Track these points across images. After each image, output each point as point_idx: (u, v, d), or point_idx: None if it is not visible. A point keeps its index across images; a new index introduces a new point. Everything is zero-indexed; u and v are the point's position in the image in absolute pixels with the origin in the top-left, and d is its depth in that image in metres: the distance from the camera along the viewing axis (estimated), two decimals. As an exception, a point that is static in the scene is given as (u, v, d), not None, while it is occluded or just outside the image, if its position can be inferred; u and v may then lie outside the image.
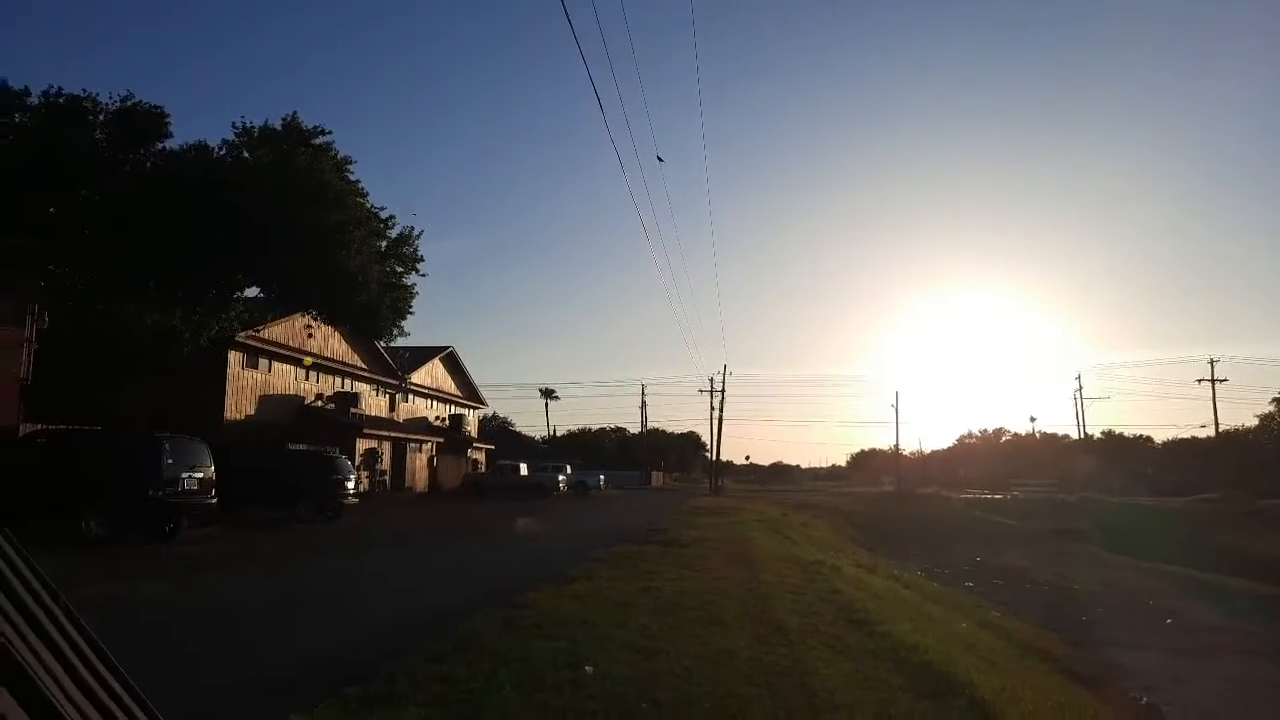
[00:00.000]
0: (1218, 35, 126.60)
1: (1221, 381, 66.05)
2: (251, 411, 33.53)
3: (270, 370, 35.28)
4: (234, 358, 32.31)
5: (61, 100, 24.22)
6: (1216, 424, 66.97)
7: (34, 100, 24.17)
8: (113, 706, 1.17)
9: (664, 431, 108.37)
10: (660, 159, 31.13)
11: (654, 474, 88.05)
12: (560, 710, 5.31)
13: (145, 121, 25.00)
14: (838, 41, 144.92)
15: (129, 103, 24.84)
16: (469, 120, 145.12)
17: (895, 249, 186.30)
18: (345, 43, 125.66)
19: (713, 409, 73.01)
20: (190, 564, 14.36)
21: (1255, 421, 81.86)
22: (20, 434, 19.71)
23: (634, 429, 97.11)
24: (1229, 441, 71.69)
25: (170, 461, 17.28)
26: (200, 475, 18.05)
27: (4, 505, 14.20)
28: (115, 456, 17.25)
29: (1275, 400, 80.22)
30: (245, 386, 33.42)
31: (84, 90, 24.65)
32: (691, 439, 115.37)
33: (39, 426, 20.14)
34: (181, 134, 26.40)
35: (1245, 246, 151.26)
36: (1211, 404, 65.78)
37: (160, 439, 17.54)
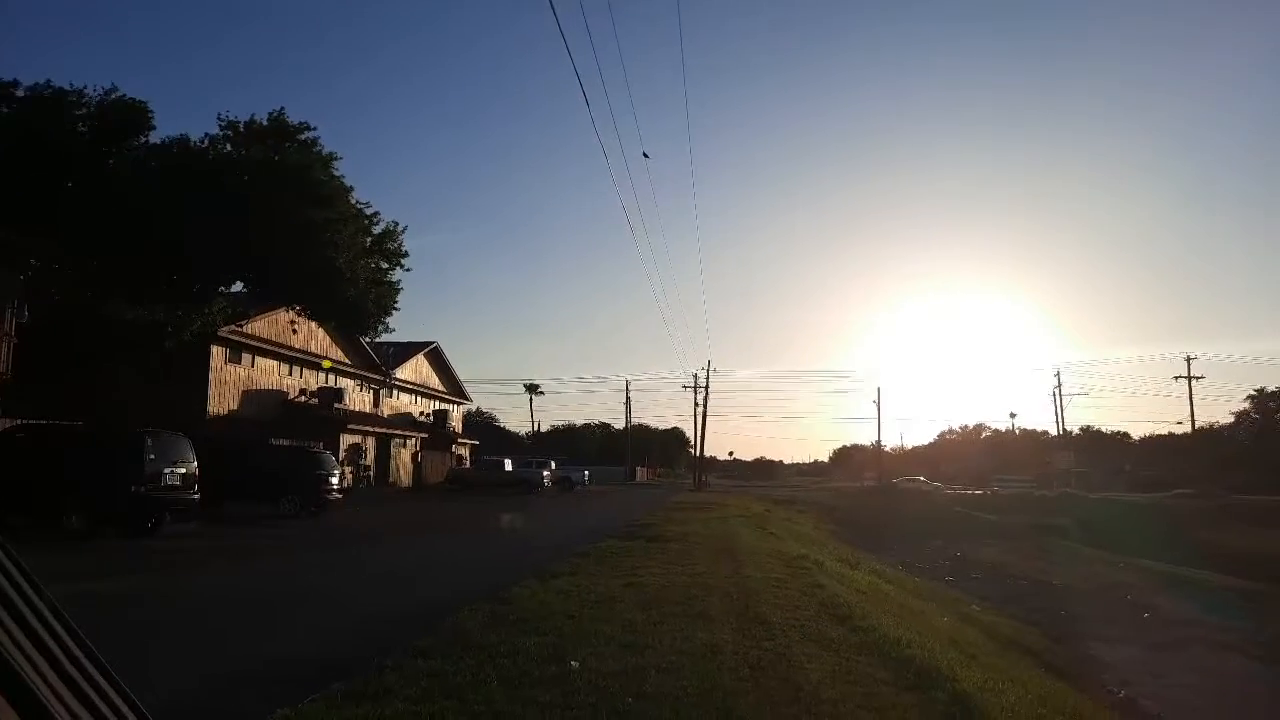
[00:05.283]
0: (1200, 37, 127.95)
1: (1198, 379, 66.72)
2: (235, 407, 33.35)
3: (254, 365, 35.10)
4: (217, 352, 32.12)
5: (48, 93, 23.98)
6: (1193, 420, 67.77)
7: (21, 93, 23.93)
8: (99, 703, 1.17)
9: (648, 427, 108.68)
10: (646, 155, 31.22)
11: (638, 470, 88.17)
12: (547, 705, 5.34)
13: (128, 115, 24.77)
14: (824, 41, 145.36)
15: (112, 96, 24.61)
16: (454, 114, 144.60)
17: (877, 247, 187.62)
18: (326, 35, 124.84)
19: (697, 405, 73.20)
20: (172, 560, 14.28)
21: (1231, 418, 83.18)
22: (-1, 429, 19.53)
23: (618, 425, 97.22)
24: (1205, 438, 72.56)
25: (152, 457, 17.16)
26: (183, 471, 17.93)
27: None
28: (97, 452, 17.11)
29: (1250, 397, 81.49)
30: (228, 381, 33.23)
31: (70, 84, 24.46)
32: (675, 435, 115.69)
33: (18, 422, 19.94)
34: (163, 129, 26.08)
35: (1223, 245, 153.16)
36: (1188, 400, 66.48)
37: (143, 434, 17.42)
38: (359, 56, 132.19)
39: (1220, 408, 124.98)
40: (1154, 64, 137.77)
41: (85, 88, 24.55)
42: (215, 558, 14.97)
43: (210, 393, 31.72)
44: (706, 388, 72.54)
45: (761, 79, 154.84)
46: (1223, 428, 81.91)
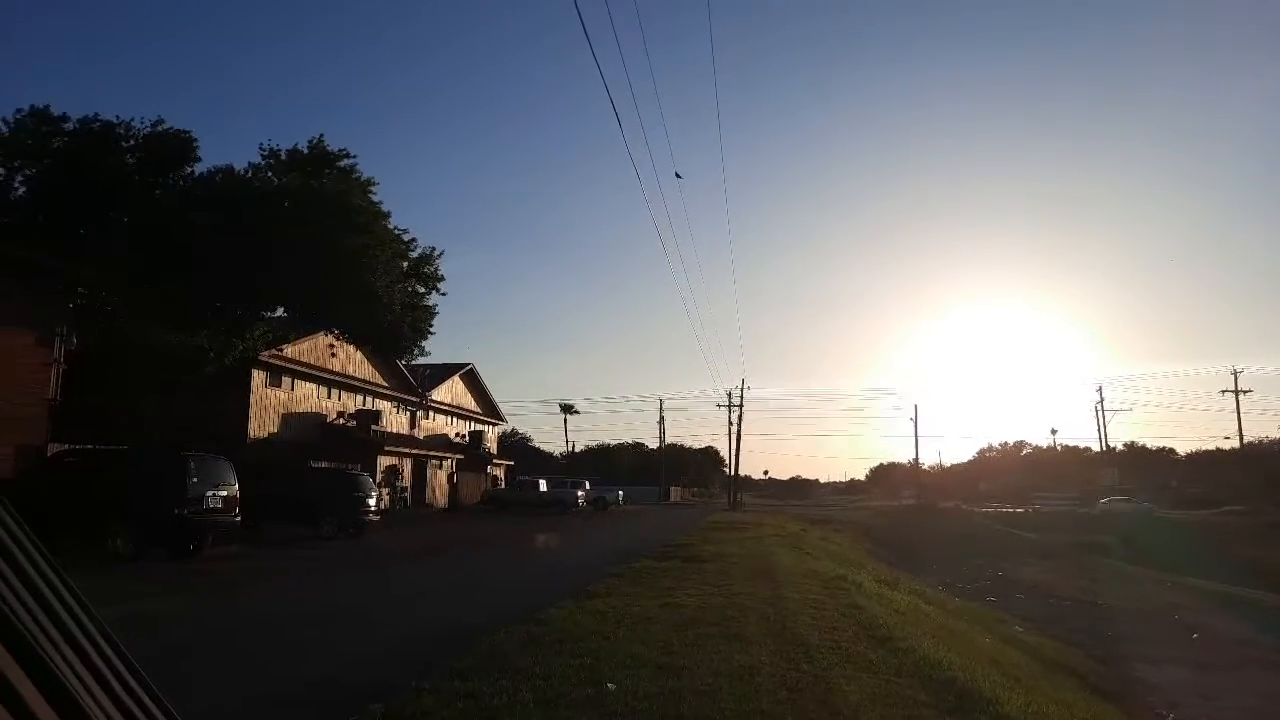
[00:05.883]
0: (1240, 45, 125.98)
1: (1245, 393, 65.33)
2: (275, 430, 33.83)
3: (293, 389, 35.61)
4: (257, 376, 32.64)
5: (96, 126, 24.75)
6: (1241, 436, 66.24)
7: (71, 126, 24.73)
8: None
9: (682, 447, 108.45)
10: (678, 175, 31.19)
11: (672, 489, 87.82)
12: (584, 727, 5.35)
13: (174, 146, 25.50)
14: (854, 55, 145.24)
15: (159, 128, 25.35)
16: (488, 136, 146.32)
17: (914, 262, 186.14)
18: (365, 58, 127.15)
19: (731, 424, 72.94)
20: (214, 581, 14.50)
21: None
22: (48, 454, 19.99)
23: (652, 444, 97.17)
24: (1253, 453, 70.78)
25: (195, 480, 17.46)
26: (225, 493, 18.22)
27: (34, 524, 14.37)
28: (141, 475, 17.43)
29: (1301, 411, 79.30)
30: (268, 405, 33.74)
31: (117, 116, 25.25)
32: (710, 454, 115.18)
33: (66, 446, 20.41)
34: (205, 154, 26.82)
35: (1270, 257, 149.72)
36: (1236, 415, 65.00)
37: (185, 458, 17.74)
38: (387, 75, 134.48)
39: (1270, 423, 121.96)
40: (1196, 74, 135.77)
41: (132, 120, 25.34)
42: (256, 579, 15.17)
43: (251, 416, 32.21)
44: (741, 406, 72.30)
45: (793, 94, 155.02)
46: (1272, 443, 79.89)
